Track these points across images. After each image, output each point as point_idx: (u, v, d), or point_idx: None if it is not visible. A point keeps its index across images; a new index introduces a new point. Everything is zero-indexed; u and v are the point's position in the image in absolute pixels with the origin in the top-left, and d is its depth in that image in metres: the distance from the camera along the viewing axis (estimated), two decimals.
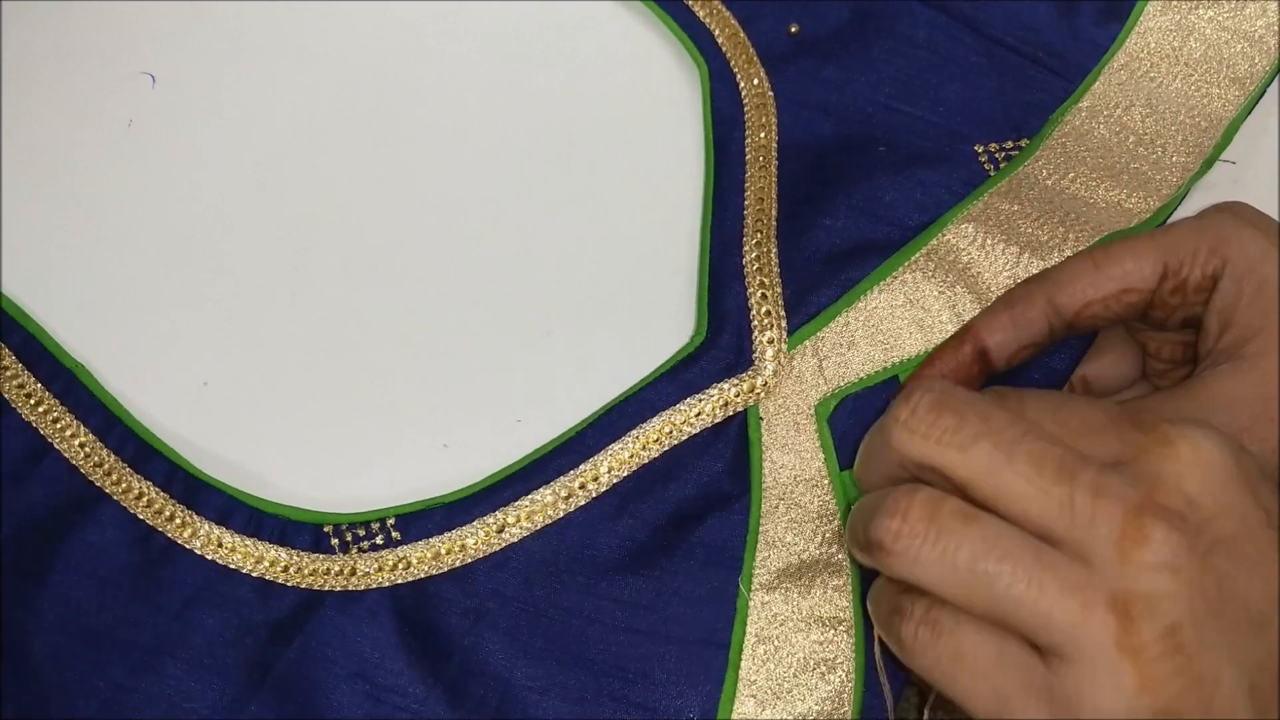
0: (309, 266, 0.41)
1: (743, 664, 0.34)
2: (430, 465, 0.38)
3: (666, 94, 0.44)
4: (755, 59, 0.42)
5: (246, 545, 0.35)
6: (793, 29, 0.43)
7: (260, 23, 0.45)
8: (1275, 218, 0.35)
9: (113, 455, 0.37)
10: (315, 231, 0.42)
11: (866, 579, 0.34)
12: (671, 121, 0.43)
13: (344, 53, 0.45)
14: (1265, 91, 0.42)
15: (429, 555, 0.35)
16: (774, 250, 0.39)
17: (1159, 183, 0.40)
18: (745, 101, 0.42)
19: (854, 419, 0.37)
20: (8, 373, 0.38)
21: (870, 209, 0.39)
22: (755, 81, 0.42)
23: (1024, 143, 0.41)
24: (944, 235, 0.39)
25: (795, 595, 0.35)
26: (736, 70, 0.42)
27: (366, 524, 0.36)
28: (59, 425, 0.37)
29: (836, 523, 0.36)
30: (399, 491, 0.37)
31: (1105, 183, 0.40)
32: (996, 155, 0.40)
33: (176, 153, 0.43)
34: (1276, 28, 0.42)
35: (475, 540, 0.36)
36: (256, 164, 0.43)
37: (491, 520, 0.36)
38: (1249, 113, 0.41)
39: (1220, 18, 0.42)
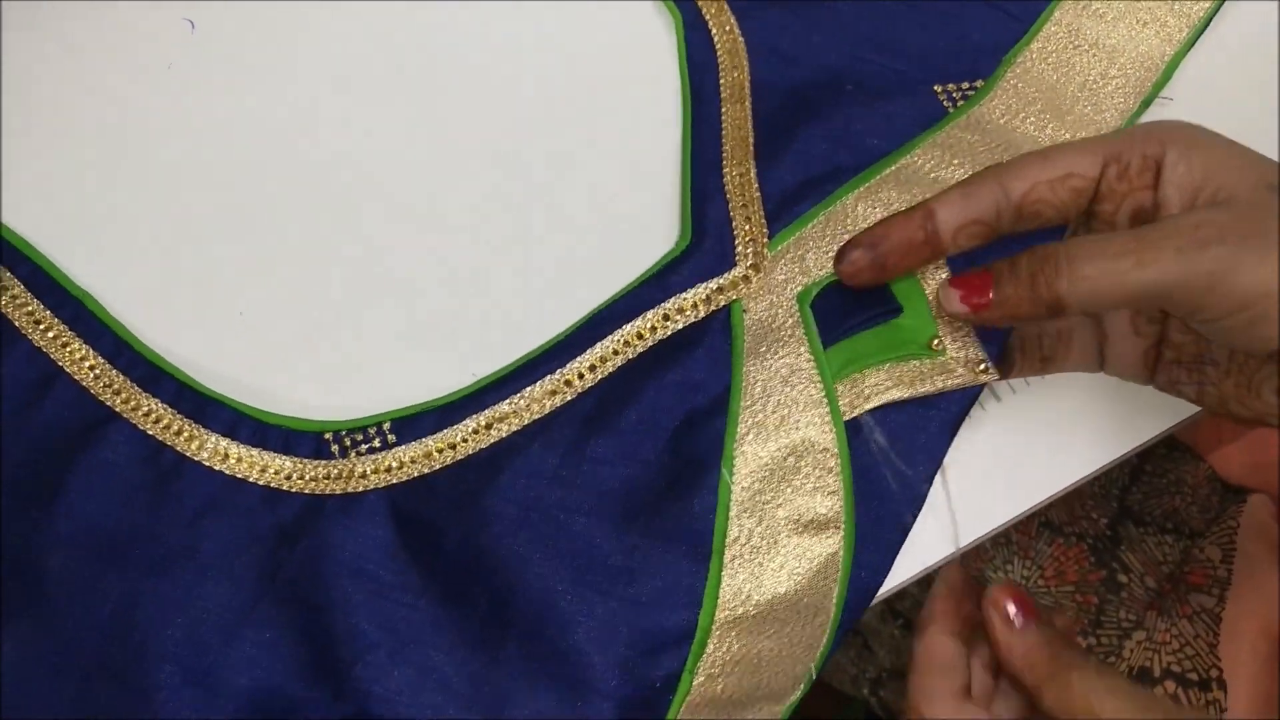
0: (313, 202, 0.43)
1: (726, 552, 0.35)
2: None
3: (643, 41, 0.45)
4: (726, 9, 0.45)
5: (252, 455, 0.37)
6: None
7: None
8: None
9: (122, 376, 0.38)
10: (333, 164, 0.44)
11: (859, 463, 0.36)
12: (649, 66, 0.45)
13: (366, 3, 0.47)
14: (1205, 29, 0.43)
15: (421, 455, 0.37)
16: (753, 171, 0.41)
17: (1099, 123, 0.42)
18: (718, 47, 0.44)
19: (837, 301, 0.38)
20: (18, 300, 0.39)
21: (842, 139, 0.41)
22: (727, 29, 0.44)
23: (980, 83, 0.42)
24: (912, 157, 0.40)
25: (781, 481, 0.36)
26: (709, 19, 0.44)
27: (364, 429, 0.37)
28: (69, 350, 0.38)
29: (822, 408, 0.36)
30: (422, 343, 0.40)
31: (1052, 124, 0.41)
32: (954, 94, 0.42)
33: (213, 95, 0.45)
34: None
35: (466, 438, 0.37)
36: (283, 108, 0.45)
37: (481, 418, 0.37)
38: (1188, 50, 0.43)
39: None
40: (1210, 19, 0.43)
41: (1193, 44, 0.43)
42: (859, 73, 0.43)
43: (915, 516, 0.36)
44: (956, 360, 0.37)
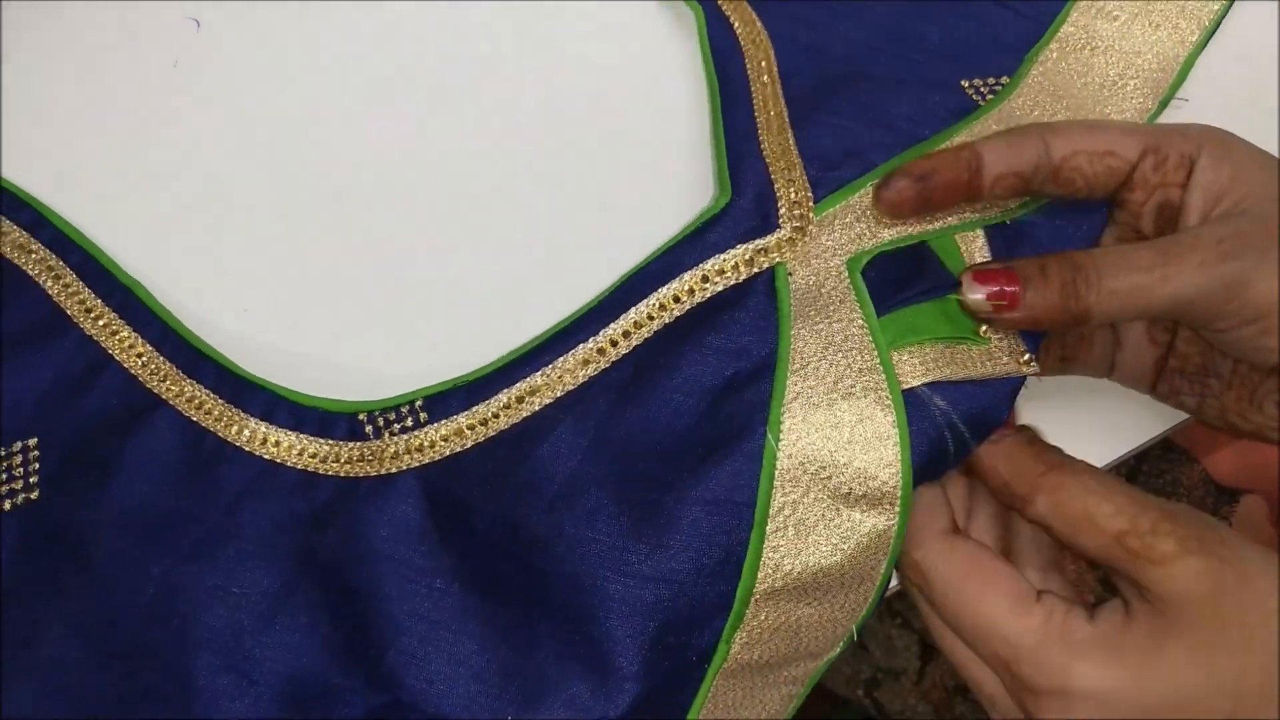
0: (341, 187, 0.44)
1: (769, 523, 0.33)
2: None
3: (667, 35, 0.47)
4: (746, 4, 0.45)
5: (290, 439, 0.37)
6: None
7: None
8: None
9: (168, 363, 0.39)
10: (347, 158, 0.45)
11: (918, 429, 0.34)
12: (675, 58, 0.46)
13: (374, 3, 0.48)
14: (1216, 29, 0.44)
15: (453, 432, 0.36)
16: (791, 139, 0.40)
17: None
18: (741, 36, 0.44)
19: (889, 270, 0.37)
20: (70, 289, 0.40)
21: (879, 118, 0.40)
22: (749, 22, 0.44)
23: (1005, 80, 0.43)
24: (952, 144, 0.40)
25: (831, 448, 0.34)
26: (729, 12, 0.45)
27: (396, 408, 0.37)
28: (119, 337, 0.39)
29: (877, 374, 0.34)
30: (422, 338, 0.40)
31: None
32: (982, 89, 0.42)
33: (218, 92, 0.46)
34: None
35: (497, 413, 0.36)
36: (290, 105, 0.46)
37: (513, 392, 0.36)
38: (1200, 51, 0.44)
39: None
40: (1220, 20, 0.44)
41: (1205, 45, 0.44)
42: (885, 64, 0.43)
43: None
44: (1001, 349, 0.36)
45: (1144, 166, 0.35)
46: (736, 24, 0.45)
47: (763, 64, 0.43)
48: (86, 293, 0.40)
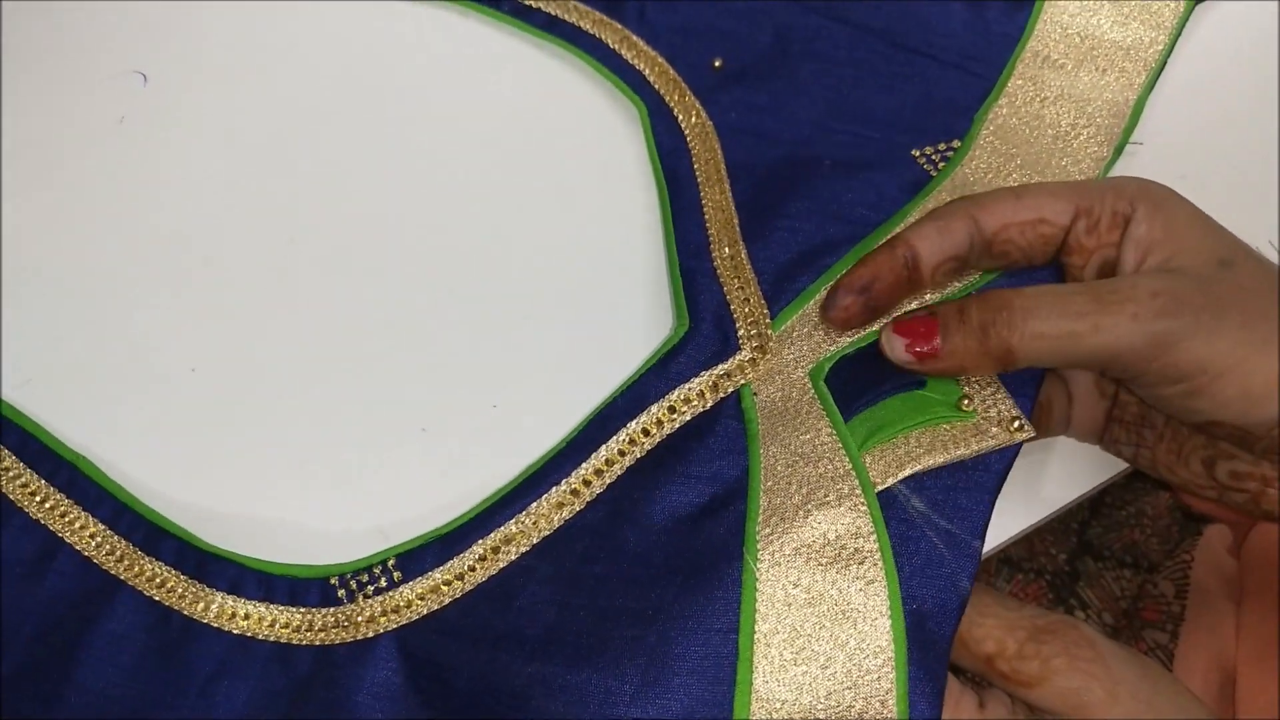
0: (292, 262, 0.43)
1: (755, 650, 0.32)
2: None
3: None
4: (688, 93, 0.44)
5: (260, 611, 0.36)
6: (716, 64, 0.45)
7: (246, 26, 0.47)
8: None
9: (124, 541, 0.37)
10: (299, 234, 0.43)
11: (897, 535, 0.33)
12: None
13: (330, 57, 0.47)
14: (1162, 70, 0.44)
15: (429, 590, 0.36)
16: (744, 251, 0.40)
17: (1076, 174, 0.42)
18: (687, 133, 0.43)
19: (850, 373, 0.37)
20: (10, 473, 0.39)
21: (830, 210, 0.40)
22: (693, 115, 0.44)
23: (956, 144, 0.42)
24: (906, 225, 0.39)
25: (811, 565, 0.33)
26: (672, 105, 0.44)
27: (369, 568, 0.37)
28: (68, 519, 0.38)
29: (850, 480, 0.34)
30: (386, 485, 0.39)
31: (1035, 179, 0.41)
32: (934, 157, 0.42)
33: (167, 149, 0.45)
34: (1170, 3, 0.44)
35: (473, 566, 0.36)
36: (243, 164, 0.44)
37: (488, 543, 0.36)
38: (1149, 92, 0.44)
39: None
40: (1165, 61, 0.44)
41: (1153, 86, 0.44)
42: (833, 144, 0.42)
43: (971, 580, 0.33)
44: (988, 420, 0.35)
45: (1077, 230, 0.35)
46: (680, 116, 0.44)
47: (710, 164, 0.42)
48: (29, 474, 0.39)
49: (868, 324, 0.37)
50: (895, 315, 0.36)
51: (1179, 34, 0.44)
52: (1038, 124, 0.43)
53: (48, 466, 0.39)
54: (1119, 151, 0.43)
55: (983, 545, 0.33)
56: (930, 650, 0.32)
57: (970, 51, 0.44)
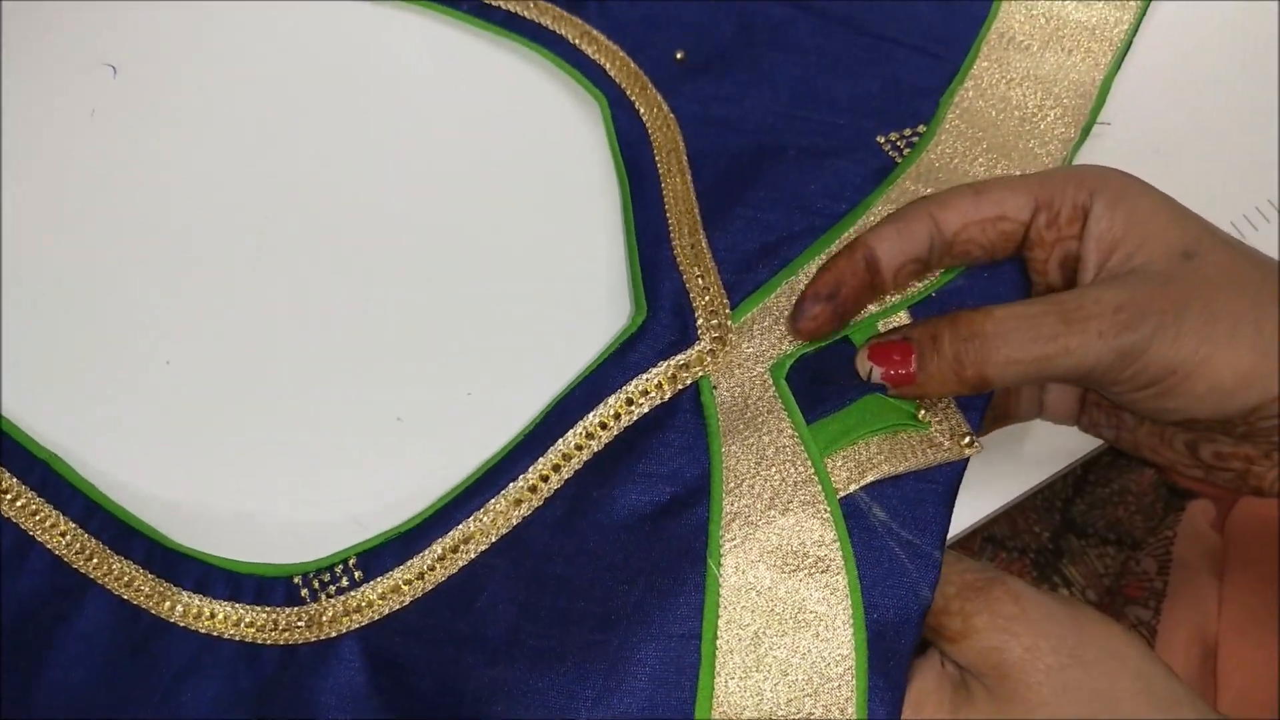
0: (263, 255, 0.43)
1: (717, 658, 0.32)
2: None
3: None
4: (650, 85, 0.44)
5: (226, 610, 0.37)
6: (679, 55, 0.44)
7: (218, 18, 0.47)
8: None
9: (94, 540, 0.38)
10: (270, 227, 0.44)
11: (860, 542, 0.33)
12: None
13: (293, 54, 0.47)
14: (1129, 47, 0.44)
15: (389, 589, 0.36)
16: (704, 240, 0.39)
17: (1044, 156, 0.42)
18: (649, 125, 0.43)
19: (812, 373, 0.37)
20: None
21: (793, 201, 0.40)
22: (655, 106, 0.43)
23: (921, 128, 0.42)
24: (869, 216, 0.39)
25: (773, 569, 0.33)
26: (634, 98, 0.44)
27: (331, 568, 0.37)
28: (39, 518, 0.38)
29: (813, 486, 0.34)
30: (361, 473, 0.39)
31: (1001, 162, 0.41)
32: (899, 143, 0.42)
33: (138, 142, 0.45)
34: None
35: (433, 565, 0.36)
36: (214, 157, 0.45)
37: (447, 541, 0.36)
38: (1116, 72, 0.43)
39: None
40: (1131, 39, 0.44)
41: (1119, 65, 0.43)
42: (797, 131, 0.42)
43: (932, 590, 0.33)
44: (941, 432, 0.35)
45: (1037, 224, 0.35)
46: (642, 109, 0.43)
47: (671, 154, 0.42)
48: (1, 472, 0.39)
49: (838, 329, 0.37)
50: (871, 339, 0.36)
51: (1144, 14, 0.44)
52: (1004, 106, 0.42)
53: (20, 465, 0.39)
54: (1086, 132, 0.42)
55: (942, 555, 0.34)
56: (891, 658, 0.32)
57: (935, 35, 0.44)
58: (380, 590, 0.36)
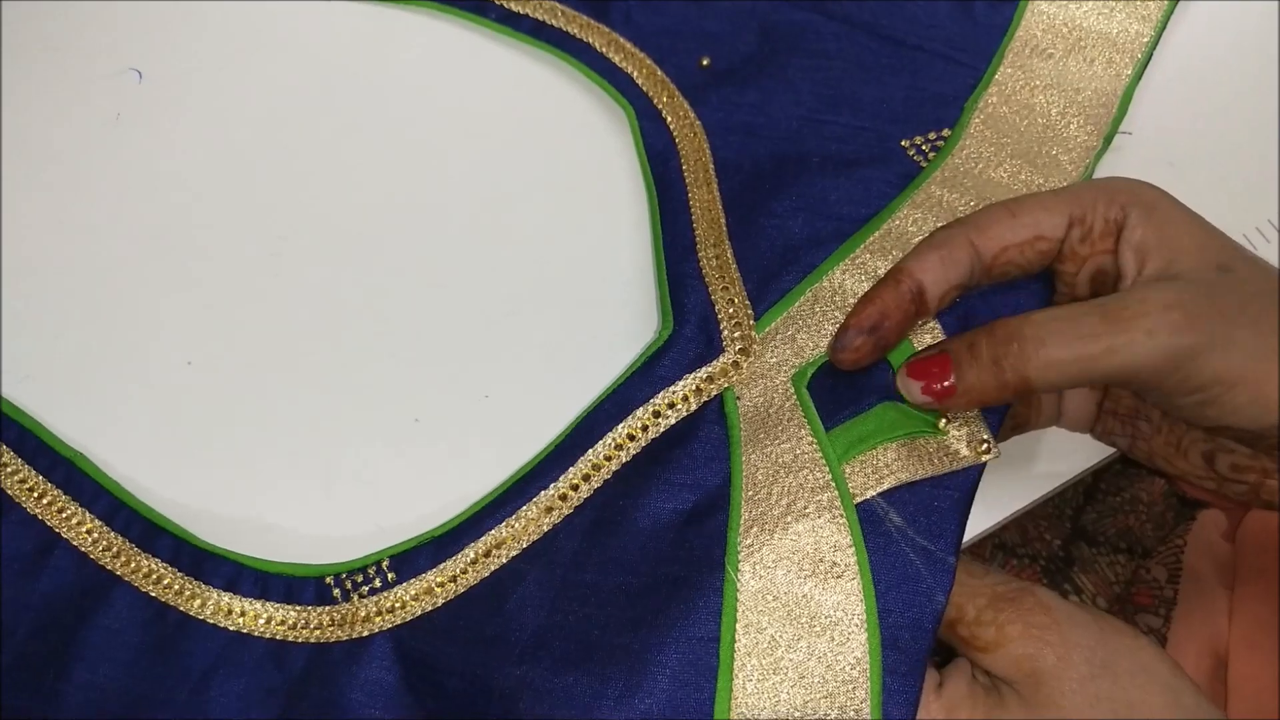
0: (286, 258, 0.43)
1: (735, 662, 0.33)
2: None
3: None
4: (676, 93, 0.44)
5: (256, 608, 0.37)
6: (704, 62, 0.45)
7: (237, 28, 0.47)
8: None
9: (120, 538, 0.38)
10: (293, 230, 0.44)
11: (875, 548, 0.34)
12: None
13: (321, 60, 0.47)
14: (1150, 57, 0.44)
15: (422, 591, 0.36)
16: (730, 253, 0.40)
17: (1067, 164, 0.42)
18: (675, 134, 0.43)
19: (833, 380, 0.37)
20: (8, 469, 0.39)
21: (818, 208, 0.40)
22: (681, 114, 0.43)
23: (946, 133, 0.42)
24: (894, 220, 0.40)
25: (790, 576, 0.34)
26: (660, 107, 0.44)
27: (364, 569, 0.37)
28: (65, 515, 0.38)
29: (830, 492, 0.34)
30: (380, 475, 0.39)
31: (1025, 169, 0.41)
32: (924, 147, 0.42)
33: (162, 146, 0.45)
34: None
35: (465, 569, 0.36)
36: (236, 161, 0.45)
37: (480, 546, 0.36)
38: (1137, 82, 0.43)
39: None
40: (1151, 51, 0.44)
41: (1140, 76, 0.44)
42: (822, 136, 0.42)
43: (947, 595, 0.33)
44: (959, 439, 0.35)
45: (1071, 239, 0.35)
46: (669, 118, 0.44)
47: (699, 164, 0.42)
48: (27, 470, 0.39)
49: (878, 359, 0.36)
50: (908, 359, 0.35)
51: (1164, 27, 0.44)
52: (1028, 112, 0.43)
53: (45, 463, 0.39)
54: (1109, 141, 0.42)
55: (956, 561, 0.34)
56: (906, 662, 0.33)
57: (958, 42, 0.44)
58: (414, 592, 0.36)
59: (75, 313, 0.42)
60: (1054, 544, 0.57)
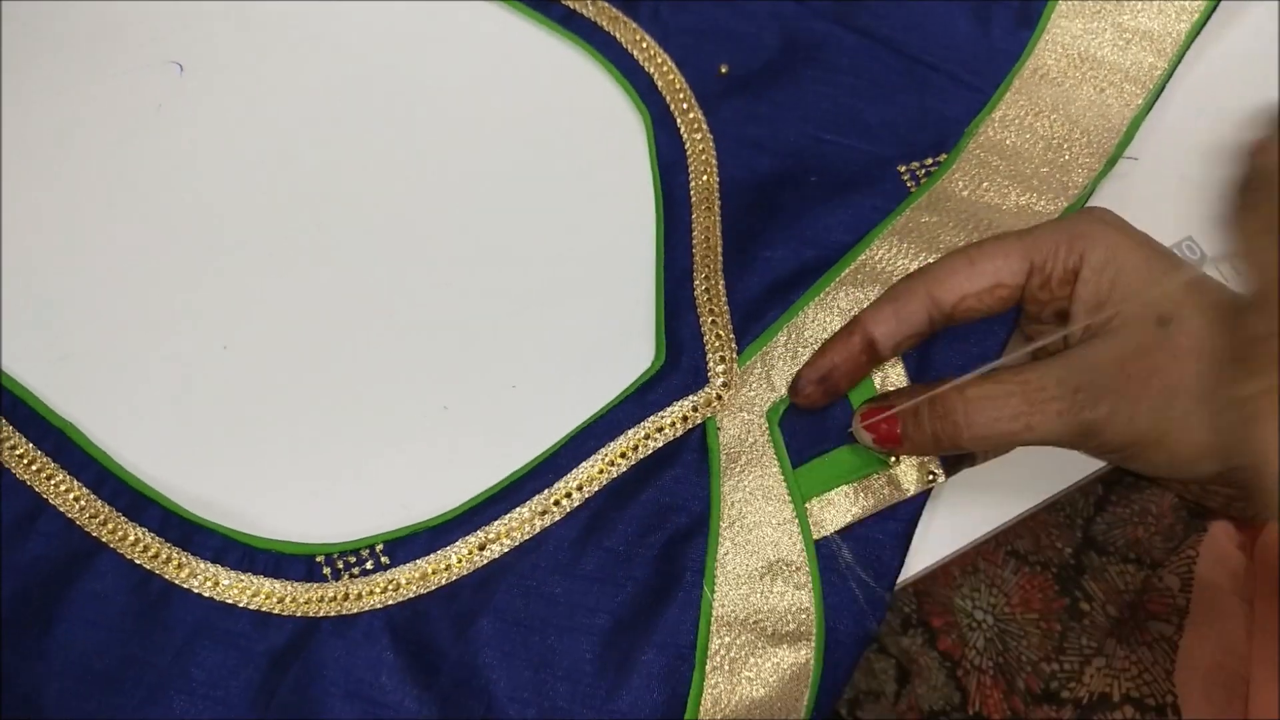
0: (318, 247, 0.44)
1: (707, 664, 0.36)
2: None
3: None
4: (693, 101, 0.44)
5: (242, 580, 0.37)
6: (723, 69, 0.45)
7: (274, 20, 0.48)
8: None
9: (108, 506, 0.38)
10: (325, 219, 0.44)
11: (828, 580, 0.37)
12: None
13: (356, 47, 0.47)
14: (1163, 89, 0.43)
15: (417, 576, 0.37)
16: (721, 283, 0.41)
17: (1065, 184, 0.42)
18: (688, 147, 0.44)
19: (803, 420, 0.39)
20: (0, 434, 0.39)
21: (807, 236, 0.41)
22: (695, 125, 0.44)
23: (942, 158, 0.42)
24: (871, 251, 0.40)
25: (757, 596, 0.37)
26: (676, 115, 0.44)
27: (356, 551, 0.37)
28: (54, 482, 0.38)
29: (793, 526, 0.37)
30: (407, 458, 0.40)
31: (1016, 188, 0.41)
32: (918, 173, 0.42)
33: (202, 136, 0.46)
34: (1172, 28, 0.44)
35: (459, 559, 0.37)
36: (272, 151, 0.45)
37: (473, 539, 0.37)
38: (1148, 110, 0.43)
39: (1123, 19, 0.44)
40: (1165, 81, 0.43)
41: (1150, 107, 0.43)
42: (823, 155, 0.43)
43: (879, 622, 0.38)
44: (910, 467, 0.38)
45: (1031, 286, 0.36)
46: (683, 130, 0.44)
47: (706, 183, 0.43)
48: (18, 437, 0.39)
49: (833, 401, 0.39)
50: (863, 407, 0.38)
51: (1179, 60, 0.44)
52: (1029, 135, 0.43)
53: (36, 431, 0.39)
54: (1111, 164, 0.42)
55: (890, 596, 0.38)
56: (836, 671, 0.37)
57: (972, 65, 0.44)
58: (408, 575, 0.37)
59: (113, 300, 0.42)
60: (1065, 552, 0.56)
